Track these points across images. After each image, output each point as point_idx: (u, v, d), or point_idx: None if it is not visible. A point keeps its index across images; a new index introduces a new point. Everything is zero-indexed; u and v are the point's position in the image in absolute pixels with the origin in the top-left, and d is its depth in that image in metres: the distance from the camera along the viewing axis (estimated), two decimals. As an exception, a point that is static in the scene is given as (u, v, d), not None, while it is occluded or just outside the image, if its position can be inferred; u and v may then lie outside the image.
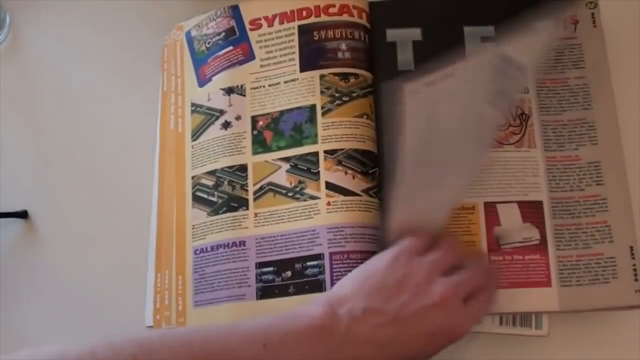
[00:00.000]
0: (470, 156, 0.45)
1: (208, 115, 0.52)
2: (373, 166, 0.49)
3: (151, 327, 0.49)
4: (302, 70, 0.51)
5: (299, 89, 0.51)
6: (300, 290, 0.46)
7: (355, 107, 0.50)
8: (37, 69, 0.60)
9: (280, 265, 0.47)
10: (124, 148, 0.57)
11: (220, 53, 0.53)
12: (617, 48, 0.52)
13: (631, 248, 0.45)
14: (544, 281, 0.45)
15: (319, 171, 0.48)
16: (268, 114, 0.51)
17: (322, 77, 0.51)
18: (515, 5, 0.45)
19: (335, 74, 0.50)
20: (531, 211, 0.47)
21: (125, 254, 0.54)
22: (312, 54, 0.51)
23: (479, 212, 0.47)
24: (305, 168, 0.49)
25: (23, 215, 0.56)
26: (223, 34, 0.54)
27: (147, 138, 0.56)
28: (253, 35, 0.53)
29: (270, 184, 0.49)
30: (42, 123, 0.59)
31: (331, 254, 0.46)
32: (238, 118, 0.51)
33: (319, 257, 0.46)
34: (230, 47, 0.53)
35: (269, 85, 0.51)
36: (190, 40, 0.55)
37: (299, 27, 0.52)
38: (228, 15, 0.54)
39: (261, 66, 0.52)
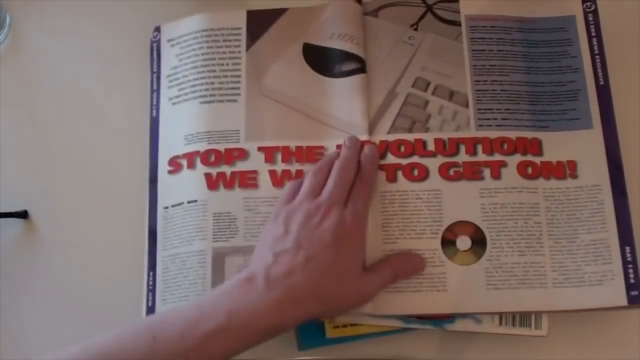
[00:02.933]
0: None
1: None
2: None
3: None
4: None
5: None
6: None
7: None
8: (37, 69, 0.60)
9: None
10: (124, 148, 0.57)
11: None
12: (617, 48, 0.52)
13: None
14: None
15: None
16: None
17: None
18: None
19: None
20: None
21: (125, 254, 0.53)
22: None
23: None
24: None
25: (23, 215, 0.56)
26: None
27: (147, 138, 0.55)
28: None
29: None
30: (42, 123, 0.59)
31: None
32: None
33: None
34: None
35: None
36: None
37: None
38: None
39: None
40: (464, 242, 0.48)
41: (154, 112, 0.54)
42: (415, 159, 0.50)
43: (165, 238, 0.51)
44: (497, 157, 0.50)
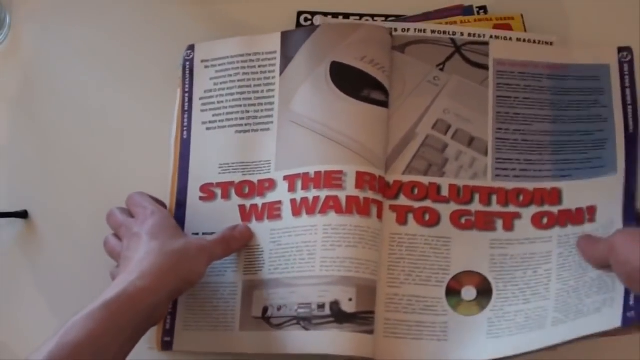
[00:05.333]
0: None
1: None
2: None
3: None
4: None
5: None
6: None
7: None
8: (37, 69, 0.59)
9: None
10: (124, 148, 0.57)
11: None
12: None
13: None
14: None
15: None
16: None
17: None
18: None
19: None
20: None
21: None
22: None
23: None
24: None
25: (23, 215, 0.56)
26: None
27: (147, 138, 0.56)
28: None
29: None
30: (42, 123, 0.58)
31: None
32: None
33: None
34: None
35: None
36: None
37: None
38: None
39: None
40: (469, 293, 0.47)
41: (185, 133, 0.53)
42: (427, 203, 0.49)
43: None
44: (512, 208, 0.49)
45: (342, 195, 0.47)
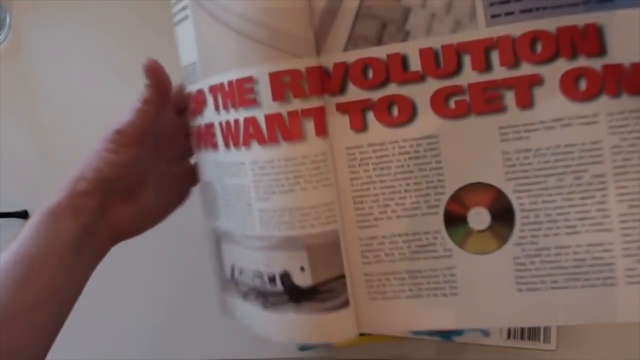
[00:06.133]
0: None
1: None
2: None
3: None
4: None
5: None
6: None
7: None
8: (37, 69, 0.60)
9: None
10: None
11: None
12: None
13: None
14: None
15: None
16: None
17: None
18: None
19: None
20: None
21: (123, 253, 0.53)
22: None
23: None
24: None
25: (23, 215, 0.56)
26: None
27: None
28: None
29: None
30: (42, 123, 0.59)
31: None
32: None
33: None
34: None
35: None
36: None
37: None
38: None
39: None
40: (479, 218, 0.31)
41: None
42: (392, 88, 0.31)
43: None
44: (527, 69, 0.30)
45: (259, 116, 0.32)
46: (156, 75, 0.37)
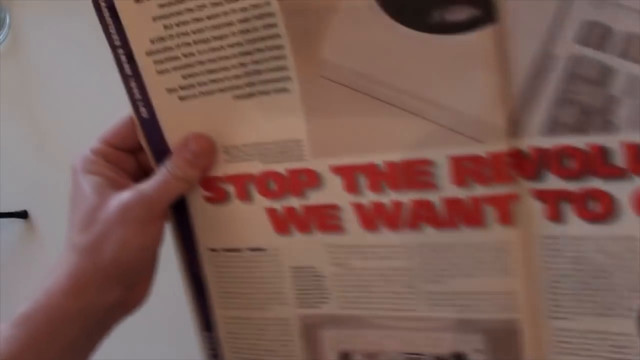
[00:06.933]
0: None
1: None
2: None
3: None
4: None
5: None
6: None
7: None
8: (37, 69, 0.60)
9: None
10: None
11: None
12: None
13: None
14: None
15: None
16: None
17: None
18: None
19: None
20: None
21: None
22: None
23: None
24: None
25: (23, 215, 0.56)
26: None
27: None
28: None
29: None
30: (42, 123, 0.59)
31: None
32: None
33: None
34: None
35: None
36: None
37: None
38: None
39: None
40: None
41: (144, 111, 0.35)
42: (593, 182, 0.29)
43: (223, 293, 0.37)
44: None
45: (436, 199, 0.31)
46: (209, 159, 0.33)
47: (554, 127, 0.29)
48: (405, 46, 0.30)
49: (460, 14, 0.29)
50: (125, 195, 0.31)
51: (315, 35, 0.31)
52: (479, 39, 0.29)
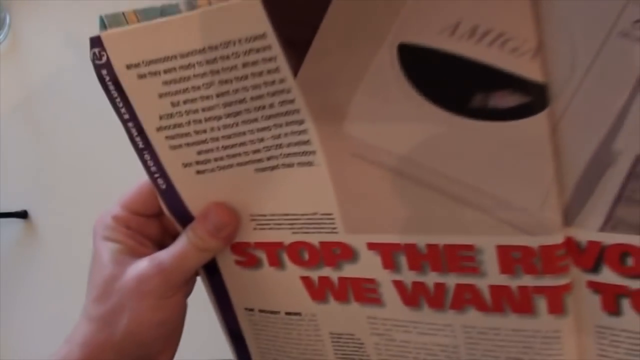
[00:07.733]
0: None
1: None
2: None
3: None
4: None
5: None
6: None
7: None
8: (37, 69, 0.60)
9: None
10: (123, 148, 0.57)
11: None
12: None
13: None
14: None
15: None
16: None
17: None
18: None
19: None
20: None
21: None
22: None
23: None
24: None
25: (23, 215, 0.56)
26: None
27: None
28: None
29: None
30: (42, 123, 0.59)
31: None
32: None
33: None
34: None
35: None
36: None
37: None
38: None
39: None
40: None
41: (162, 182, 0.32)
42: None
43: (265, 349, 0.37)
44: None
45: (482, 285, 0.30)
46: (232, 230, 0.32)
47: (614, 224, 0.27)
48: (442, 128, 0.27)
49: (506, 100, 0.26)
50: (142, 265, 0.30)
51: (338, 108, 0.28)
52: (530, 126, 0.26)
